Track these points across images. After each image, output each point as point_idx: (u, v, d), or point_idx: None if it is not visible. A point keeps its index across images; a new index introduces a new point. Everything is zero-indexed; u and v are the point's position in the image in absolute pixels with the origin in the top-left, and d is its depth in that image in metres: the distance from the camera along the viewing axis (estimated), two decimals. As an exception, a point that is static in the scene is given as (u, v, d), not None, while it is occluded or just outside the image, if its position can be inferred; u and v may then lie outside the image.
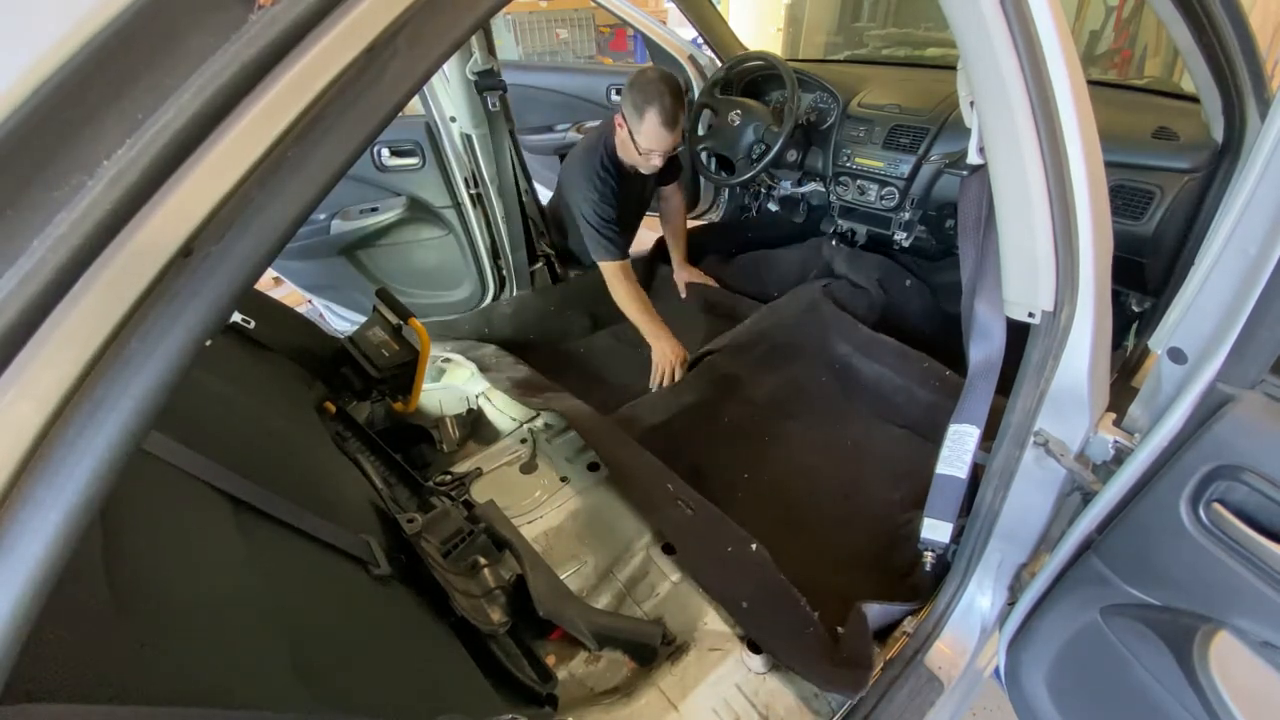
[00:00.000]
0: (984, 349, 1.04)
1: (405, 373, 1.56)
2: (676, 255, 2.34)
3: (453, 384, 1.82)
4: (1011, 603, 1.13)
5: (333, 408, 1.42)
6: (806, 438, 1.75)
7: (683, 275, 2.33)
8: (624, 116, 1.80)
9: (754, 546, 1.24)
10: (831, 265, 2.31)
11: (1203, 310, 0.75)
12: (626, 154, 1.91)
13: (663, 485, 1.34)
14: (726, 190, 2.70)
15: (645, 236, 2.48)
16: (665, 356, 1.88)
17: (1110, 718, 0.99)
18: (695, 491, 1.35)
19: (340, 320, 2.42)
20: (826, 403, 1.87)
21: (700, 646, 1.12)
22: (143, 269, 0.34)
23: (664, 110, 1.71)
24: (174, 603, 0.61)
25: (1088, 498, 0.94)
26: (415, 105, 1.93)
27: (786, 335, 1.99)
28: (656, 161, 1.87)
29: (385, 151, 2.00)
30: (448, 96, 1.88)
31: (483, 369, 1.74)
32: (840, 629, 1.16)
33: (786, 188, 2.48)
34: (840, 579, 1.33)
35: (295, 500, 0.86)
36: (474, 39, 1.75)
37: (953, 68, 0.90)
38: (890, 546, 1.42)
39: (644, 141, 1.79)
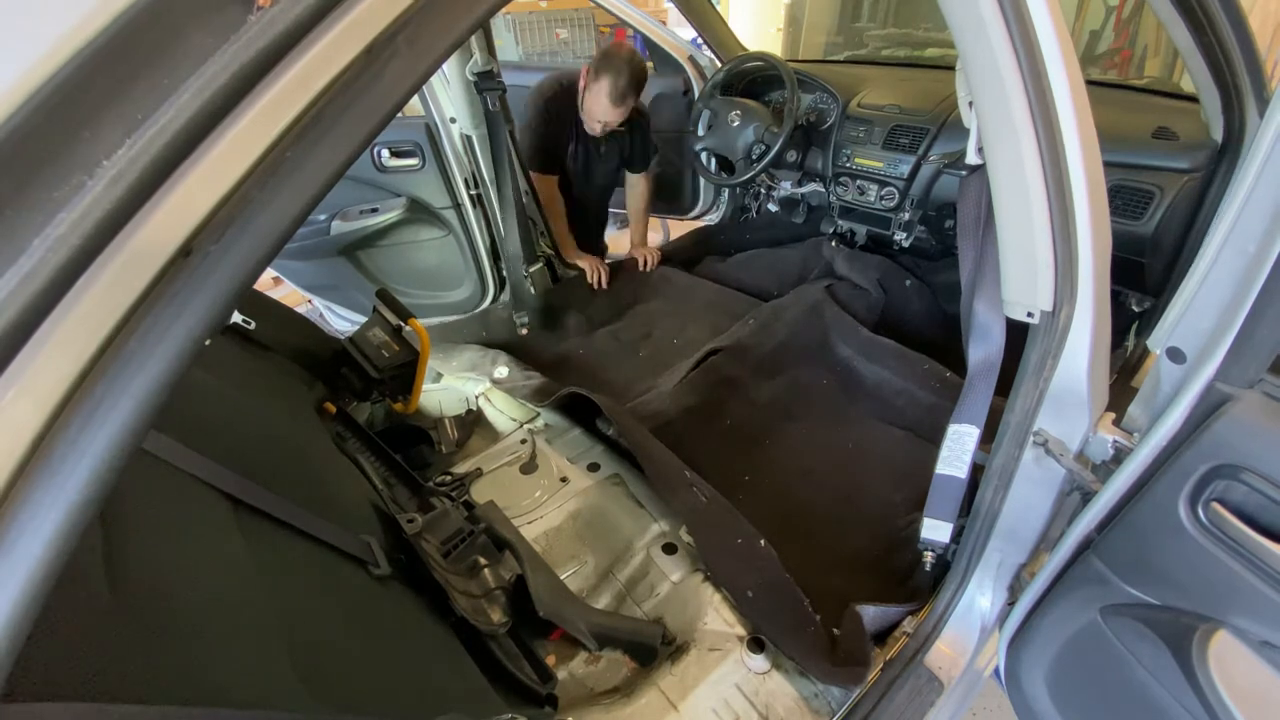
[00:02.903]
0: (983, 349, 1.04)
1: (405, 373, 1.56)
2: (637, 234, 2.47)
3: (452, 385, 1.82)
4: (1011, 603, 1.13)
5: (333, 408, 1.42)
6: (808, 439, 1.75)
7: (639, 252, 2.45)
8: (589, 71, 1.95)
9: (762, 543, 1.25)
10: (832, 265, 2.31)
11: (1201, 310, 0.75)
12: (583, 106, 2.06)
13: (680, 471, 1.34)
14: (726, 191, 2.70)
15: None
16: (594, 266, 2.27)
17: (1110, 717, 0.99)
18: (709, 486, 1.36)
19: (340, 320, 2.42)
20: (828, 404, 1.87)
21: (700, 646, 1.12)
22: (142, 269, 0.34)
23: (614, 86, 1.89)
24: (174, 602, 0.61)
25: (1087, 497, 0.94)
26: (415, 106, 1.93)
27: (788, 336, 1.99)
28: (595, 127, 2.04)
29: (385, 152, 2.00)
30: (447, 97, 1.88)
31: (495, 382, 1.76)
32: (836, 630, 1.16)
33: (786, 188, 2.48)
34: (841, 581, 1.33)
35: (295, 500, 0.86)
36: (474, 39, 1.75)
37: (953, 68, 0.90)
38: (891, 549, 1.42)
39: (589, 99, 1.97)
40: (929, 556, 1.23)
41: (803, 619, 1.14)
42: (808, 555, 1.37)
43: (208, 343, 0.36)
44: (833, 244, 2.37)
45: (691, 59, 2.46)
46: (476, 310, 2.27)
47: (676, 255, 2.57)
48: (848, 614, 1.16)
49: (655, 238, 2.48)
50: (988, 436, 1.07)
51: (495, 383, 1.75)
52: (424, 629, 0.95)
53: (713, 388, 1.81)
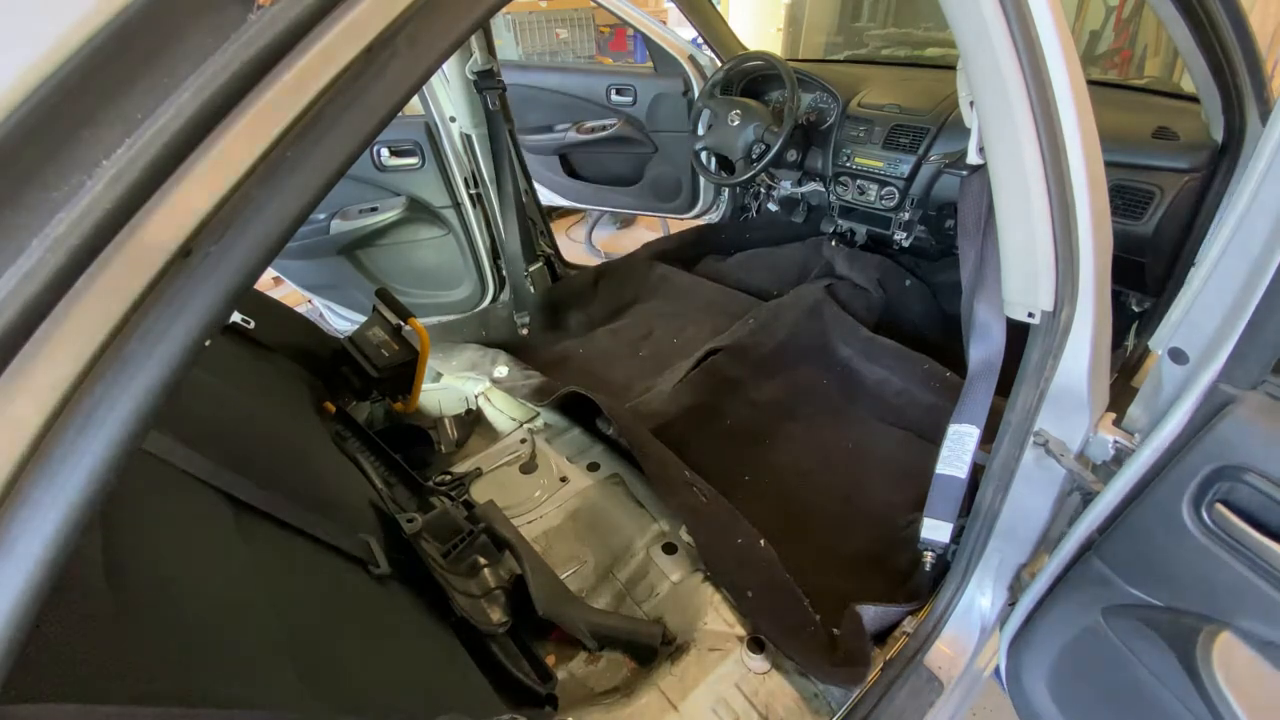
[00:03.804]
0: (984, 349, 1.04)
1: (405, 373, 1.56)
2: None
3: (452, 384, 1.82)
4: (1012, 603, 1.13)
5: (332, 408, 1.42)
6: (808, 440, 1.75)
7: None
8: None
9: (762, 543, 1.25)
10: (832, 265, 2.31)
11: (1204, 310, 0.75)
12: None
13: (680, 471, 1.34)
14: (726, 190, 2.70)
15: (641, 234, 2.49)
16: None
17: (1112, 718, 0.99)
18: (707, 484, 1.36)
19: (340, 320, 2.42)
20: (828, 404, 1.87)
21: (700, 646, 1.12)
22: (142, 269, 0.34)
23: None
24: (174, 602, 0.61)
25: (1088, 498, 0.94)
26: (415, 105, 1.93)
27: (788, 336, 1.99)
28: None
29: (385, 151, 2.00)
30: (447, 96, 1.88)
31: (495, 382, 1.75)
32: (836, 631, 1.16)
33: (786, 188, 2.48)
34: (841, 581, 1.33)
35: (295, 500, 0.86)
36: (474, 39, 1.75)
37: (953, 68, 0.90)
38: (891, 549, 1.42)
39: None
40: (929, 557, 1.23)
41: (803, 619, 1.14)
42: (808, 555, 1.37)
43: (208, 343, 0.36)
44: (833, 244, 2.37)
45: (691, 59, 2.46)
46: (476, 310, 2.27)
47: (676, 254, 2.57)
48: (848, 614, 1.16)
49: (654, 236, 2.46)
50: (988, 437, 1.07)
51: (495, 382, 1.75)
52: (424, 629, 0.95)
53: (713, 388, 1.80)
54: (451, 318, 2.18)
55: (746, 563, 1.20)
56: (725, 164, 2.35)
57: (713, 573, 1.20)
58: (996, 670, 1.17)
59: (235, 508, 0.78)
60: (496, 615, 1.08)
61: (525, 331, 2.13)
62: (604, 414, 1.48)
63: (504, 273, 2.19)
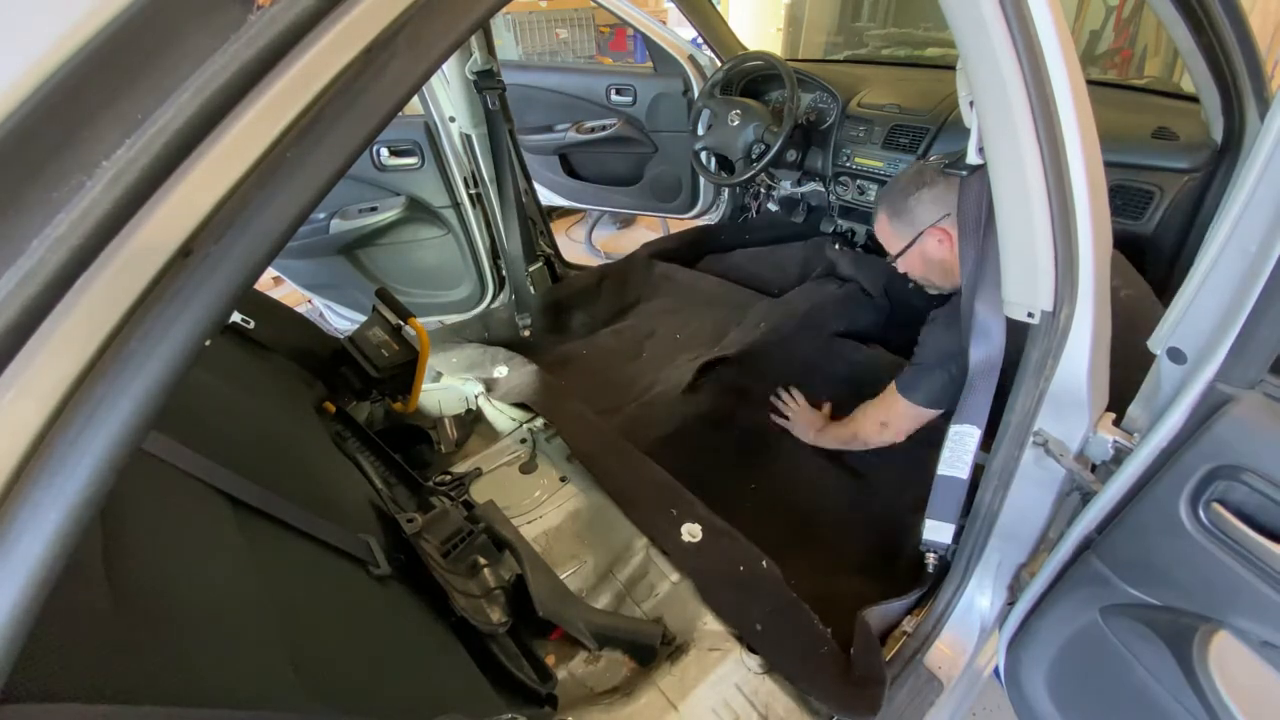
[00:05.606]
0: (984, 349, 1.04)
1: (405, 373, 1.56)
2: None
3: (452, 384, 1.82)
4: (1011, 603, 1.13)
5: (332, 408, 1.42)
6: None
7: None
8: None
9: (764, 563, 1.22)
10: (836, 266, 2.30)
11: (1202, 310, 0.75)
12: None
13: (666, 510, 1.31)
14: (726, 190, 2.70)
15: (641, 234, 2.49)
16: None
17: (1110, 717, 0.99)
18: (702, 507, 1.32)
19: (340, 320, 2.42)
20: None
21: (700, 646, 1.12)
22: (142, 269, 0.34)
23: None
24: (174, 603, 0.61)
25: (1087, 498, 0.94)
26: (414, 105, 1.93)
27: (792, 339, 1.98)
28: None
29: (384, 151, 2.00)
30: (447, 96, 1.88)
31: (489, 389, 1.74)
32: (852, 650, 1.14)
33: (786, 188, 2.48)
34: (850, 585, 1.32)
35: (295, 500, 0.86)
36: (473, 38, 1.75)
37: (953, 68, 0.90)
38: (898, 550, 1.42)
39: None
40: (931, 558, 1.23)
41: (815, 640, 1.11)
42: (817, 561, 1.37)
43: (208, 343, 0.36)
44: (835, 246, 2.37)
45: (691, 58, 2.46)
46: (477, 310, 2.27)
47: (676, 254, 2.57)
48: (858, 626, 1.13)
49: (654, 236, 2.45)
50: (989, 436, 1.07)
51: (490, 390, 1.73)
52: (423, 629, 0.95)
53: (718, 394, 1.80)
54: (453, 318, 2.19)
55: (750, 592, 1.17)
56: (725, 164, 2.35)
57: (716, 612, 1.16)
58: (996, 670, 1.17)
59: (235, 508, 0.78)
60: (496, 615, 1.08)
61: (528, 334, 2.13)
62: (607, 410, 1.46)
63: (504, 273, 2.19)
